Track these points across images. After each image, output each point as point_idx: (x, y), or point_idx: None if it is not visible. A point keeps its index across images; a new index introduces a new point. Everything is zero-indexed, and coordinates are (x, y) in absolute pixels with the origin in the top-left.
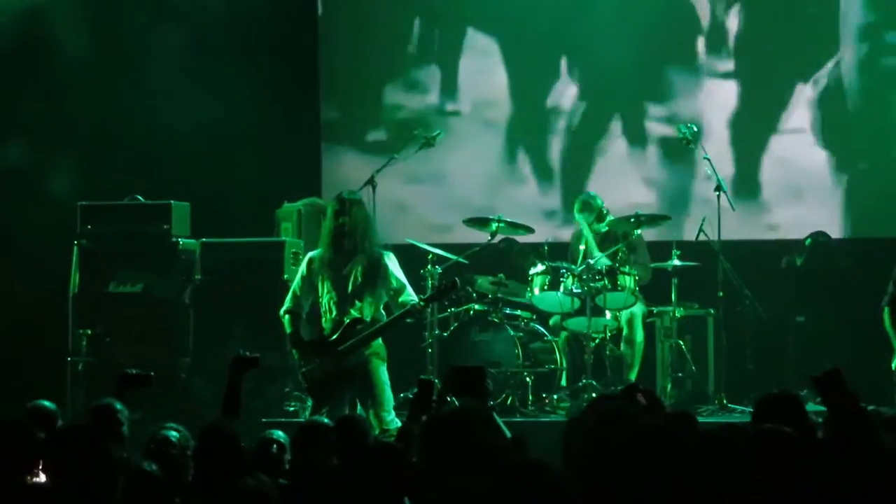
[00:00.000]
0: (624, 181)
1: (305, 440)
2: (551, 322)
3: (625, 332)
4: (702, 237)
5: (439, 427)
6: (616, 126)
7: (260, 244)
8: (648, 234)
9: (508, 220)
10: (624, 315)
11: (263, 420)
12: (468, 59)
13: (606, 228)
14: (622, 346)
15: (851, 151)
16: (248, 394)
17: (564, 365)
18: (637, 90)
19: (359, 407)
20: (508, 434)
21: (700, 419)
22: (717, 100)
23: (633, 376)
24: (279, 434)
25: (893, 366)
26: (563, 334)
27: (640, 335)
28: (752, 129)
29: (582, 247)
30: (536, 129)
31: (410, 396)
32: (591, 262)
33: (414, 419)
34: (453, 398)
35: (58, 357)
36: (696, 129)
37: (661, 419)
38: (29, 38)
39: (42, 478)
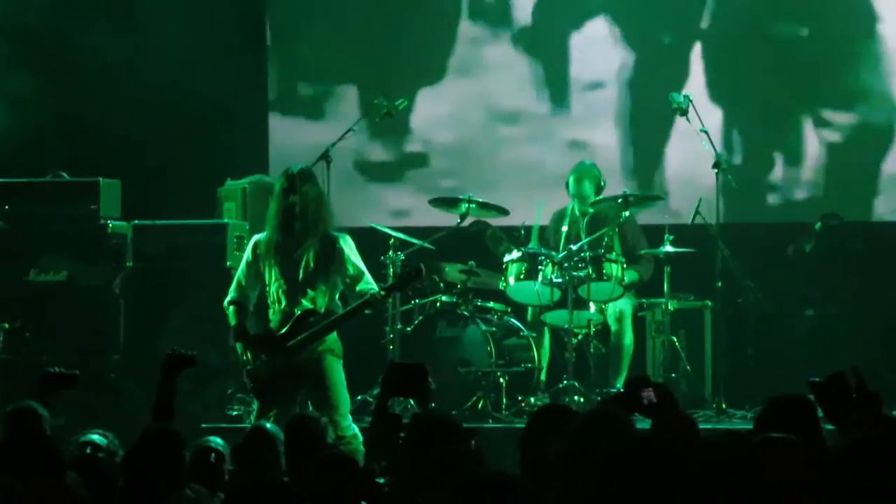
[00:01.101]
0: (609, 157)
1: (249, 448)
2: (528, 316)
3: (612, 329)
4: (698, 220)
5: (420, 438)
6: (601, 95)
7: (200, 227)
8: (639, 216)
9: (480, 200)
10: (611, 310)
11: (203, 426)
12: (432, 22)
13: (591, 210)
14: (610, 345)
15: None
16: (184, 396)
17: (543, 364)
18: (624, 52)
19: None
20: None
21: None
22: (713, 66)
23: (619, 381)
24: (217, 441)
25: None
26: (544, 330)
27: (628, 336)
28: (754, 100)
29: (564, 228)
30: (513, 97)
31: (370, 399)
32: (573, 247)
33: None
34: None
35: None
36: (689, 98)
37: (664, 424)
38: None
39: None
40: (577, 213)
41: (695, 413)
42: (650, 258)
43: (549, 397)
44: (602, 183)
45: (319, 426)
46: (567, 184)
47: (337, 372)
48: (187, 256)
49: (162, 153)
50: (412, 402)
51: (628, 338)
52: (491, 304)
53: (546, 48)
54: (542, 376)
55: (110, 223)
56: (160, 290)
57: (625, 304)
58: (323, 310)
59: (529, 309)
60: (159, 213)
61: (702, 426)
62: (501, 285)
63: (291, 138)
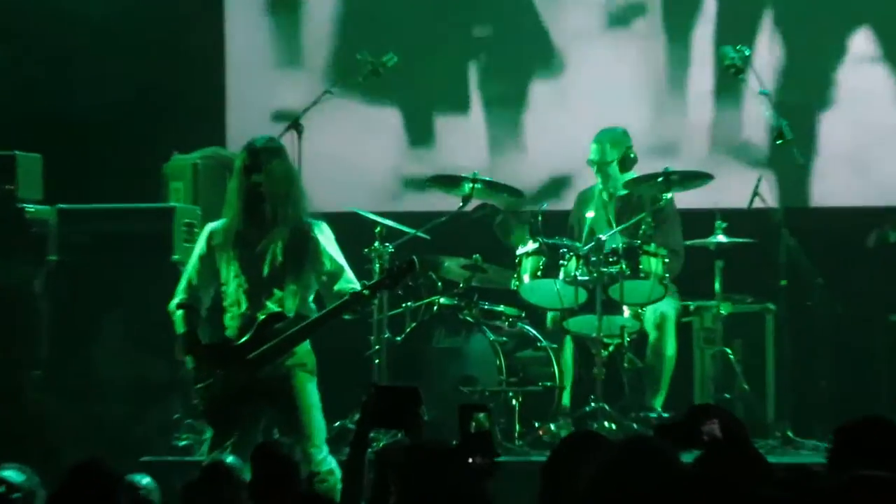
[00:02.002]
0: (645, 127)
1: (203, 488)
2: (547, 322)
3: (651, 338)
4: (757, 203)
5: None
6: (635, 51)
7: (140, 212)
8: (682, 198)
9: (487, 178)
10: (649, 314)
11: (142, 459)
12: None
13: (624, 191)
14: (648, 358)
15: None
16: (121, 421)
17: (566, 382)
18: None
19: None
20: None
21: None
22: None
23: (658, 402)
24: (145, 482)
25: None
26: (565, 340)
27: (671, 345)
28: (826, 56)
29: (590, 214)
30: (526, 55)
31: (350, 426)
32: (603, 238)
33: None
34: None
35: None
36: (747, 52)
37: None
38: None
39: None
40: (605, 195)
41: (754, 443)
42: (681, 252)
43: (574, 423)
44: (632, 155)
45: (292, 458)
46: (589, 152)
47: (309, 392)
48: (125, 248)
49: (93, 122)
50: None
51: (670, 348)
52: (501, 308)
53: None
54: (565, 398)
55: (29, 207)
56: (91, 289)
57: (666, 307)
58: (292, 314)
59: (549, 314)
60: (90, 195)
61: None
62: (514, 284)
63: (254, 103)
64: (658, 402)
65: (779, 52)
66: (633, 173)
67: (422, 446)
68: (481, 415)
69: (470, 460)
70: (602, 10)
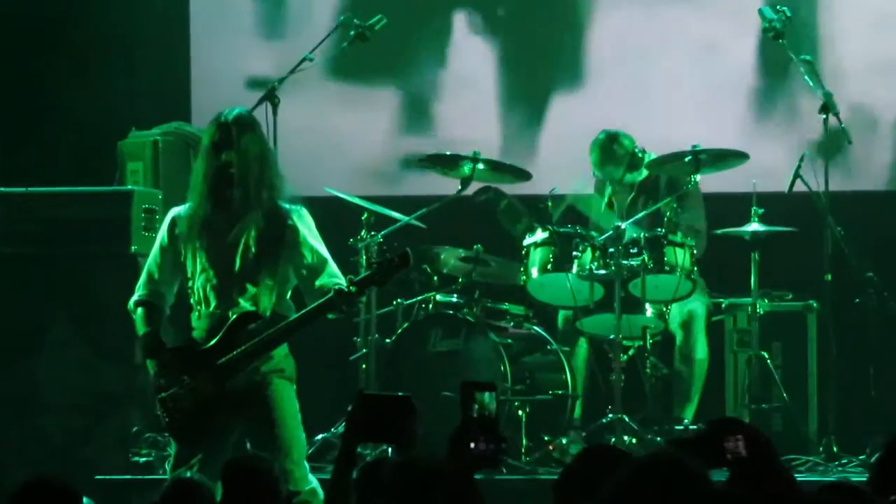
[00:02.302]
0: (670, 101)
1: None
2: (559, 322)
3: (678, 340)
4: (798, 187)
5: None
6: (661, 15)
7: (92, 196)
8: (712, 180)
9: (490, 159)
10: (675, 312)
11: (97, 477)
12: None
13: (645, 174)
14: (676, 362)
15: None
16: (72, 435)
17: (579, 390)
18: None
19: None
20: None
21: (798, 477)
22: None
23: (689, 413)
24: None
25: None
26: (580, 341)
27: (701, 348)
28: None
29: (604, 197)
30: (535, 18)
31: (334, 440)
32: (622, 226)
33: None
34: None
35: None
36: (788, 14)
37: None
38: None
39: None
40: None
41: (795, 460)
42: (703, 231)
43: (588, 437)
44: (639, 153)
45: (272, 474)
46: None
47: (288, 401)
48: (76, 238)
49: (38, 92)
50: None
51: (701, 351)
52: (506, 306)
53: None
54: (578, 408)
55: None
56: (37, 285)
57: (695, 305)
58: (268, 313)
59: (560, 313)
60: (34, 178)
61: (805, 478)
62: (521, 279)
63: (223, 71)
64: (689, 414)
65: (825, 13)
66: (651, 154)
67: (413, 463)
68: (486, 394)
69: (472, 446)
70: None
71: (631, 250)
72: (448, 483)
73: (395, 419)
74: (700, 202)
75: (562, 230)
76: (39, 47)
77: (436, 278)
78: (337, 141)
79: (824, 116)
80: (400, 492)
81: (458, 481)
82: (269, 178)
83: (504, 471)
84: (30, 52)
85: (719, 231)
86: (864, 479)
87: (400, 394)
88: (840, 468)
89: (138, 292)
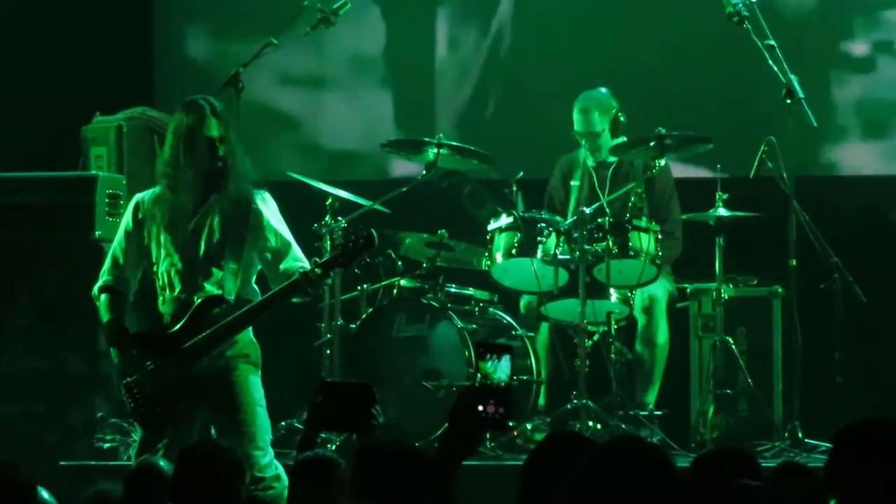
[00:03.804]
0: (637, 86)
1: (132, 495)
2: (521, 307)
3: (639, 324)
4: (763, 171)
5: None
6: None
7: (55, 181)
8: (678, 166)
9: (454, 143)
10: (638, 297)
11: (62, 463)
12: None
13: (613, 159)
14: (637, 346)
15: None
16: (35, 421)
17: (543, 376)
18: None
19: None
20: None
21: (763, 463)
22: None
23: (651, 398)
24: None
25: None
26: (543, 327)
27: (662, 332)
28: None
29: (574, 183)
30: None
31: (299, 426)
32: (587, 211)
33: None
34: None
35: None
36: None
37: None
38: None
39: None
40: (591, 162)
41: (760, 445)
42: (678, 234)
43: (553, 423)
44: (621, 118)
45: (233, 460)
46: (573, 122)
47: (252, 386)
48: (38, 224)
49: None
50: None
51: (662, 336)
52: (470, 292)
53: None
54: (543, 393)
55: None
56: None
57: (656, 289)
58: (233, 297)
59: (523, 298)
60: None
61: (769, 464)
62: (485, 264)
63: (187, 55)
64: (650, 398)
65: None
66: (623, 137)
67: (374, 450)
68: (503, 357)
69: (480, 408)
70: None
71: (595, 235)
72: (412, 466)
73: (356, 407)
74: (671, 191)
75: (526, 215)
76: (1, 31)
77: (400, 263)
78: (300, 125)
79: (788, 101)
80: (359, 479)
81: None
82: (242, 165)
83: (517, 406)
84: None
85: (685, 216)
86: None
87: (360, 382)
88: (805, 454)
89: (102, 278)
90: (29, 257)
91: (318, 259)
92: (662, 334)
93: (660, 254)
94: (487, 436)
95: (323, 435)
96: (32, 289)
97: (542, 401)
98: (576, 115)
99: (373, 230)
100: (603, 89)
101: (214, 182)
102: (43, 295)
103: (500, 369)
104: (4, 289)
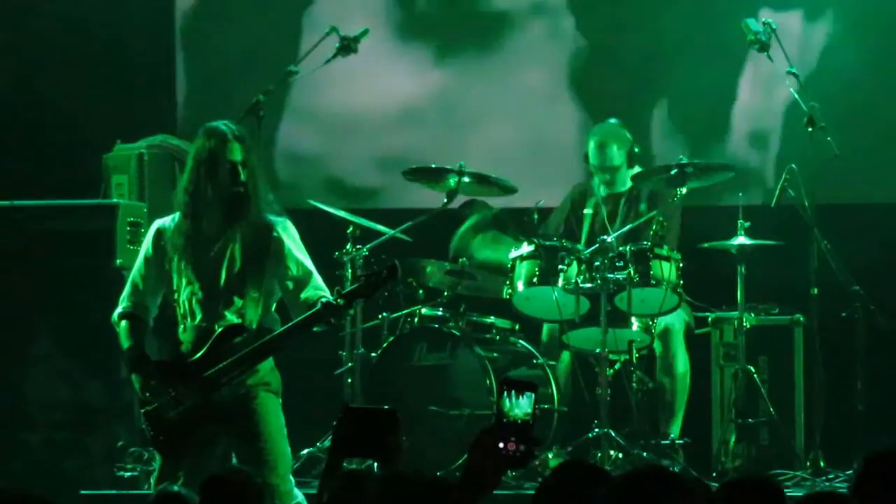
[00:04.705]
0: (654, 114)
1: None
2: (543, 335)
3: (658, 352)
4: (785, 200)
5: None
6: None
7: (77, 209)
8: (699, 194)
9: (475, 171)
10: (660, 327)
11: (82, 492)
12: None
13: (628, 186)
14: (658, 377)
15: None
16: (56, 450)
17: (564, 405)
18: None
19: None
20: None
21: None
22: None
23: (674, 429)
24: None
25: None
26: (564, 355)
27: (682, 362)
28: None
29: (587, 211)
30: (516, 33)
31: (321, 454)
32: (609, 239)
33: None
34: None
35: None
36: (773, 26)
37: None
38: None
39: None
40: (604, 190)
41: (782, 474)
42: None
43: (574, 451)
44: (636, 150)
45: (255, 489)
46: (586, 153)
47: (273, 415)
48: (59, 251)
49: (23, 105)
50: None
51: (682, 365)
52: (491, 320)
53: None
54: (562, 421)
55: None
56: (22, 298)
57: (672, 319)
58: (254, 326)
59: (545, 326)
60: (19, 190)
61: (792, 493)
62: (506, 293)
63: (208, 84)
64: (674, 429)
65: (811, 25)
66: (637, 167)
67: (398, 477)
68: (525, 395)
69: (501, 445)
70: None
71: (617, 264)
72: (434, 496)
73: (380, 433)
74: (676, 220)
75: (547, 243)
76: (25, 60)
77: (421, 292)
78: (322, 154)
79: (810, 129)
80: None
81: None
82: (264, 191)
83: (540, 442)
84: (16, 65)
85: (706, 244)
86: None
87: (385, 407)
88: (827, 483)
89: (122, 304)
90: (50, 285)
91: (340, 289)
92: (682, 364)
93: (681, 283)
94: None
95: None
96: (53, 316)
97: (561, 429)
98: (592, 149)
99: (396, 261)
100: (613, 120)
101: (236, 208)
102: (64, 323)
103: (520, 406)
104: (26, 316)
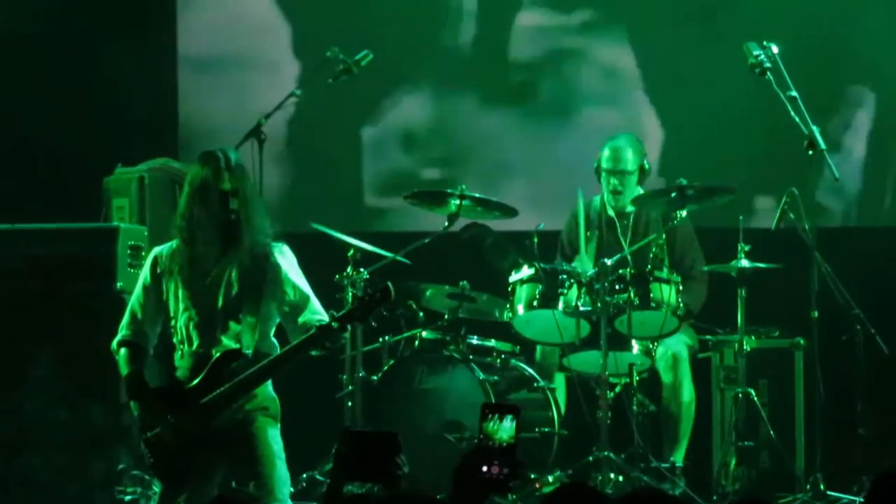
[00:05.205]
0: (655, 136)
1: None
2: (536, 356)
3: (664, 379)
4: (785, 223)
5: None
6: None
7: (77, 233)
8: (699, 216)
9: (476, 195)
10: (661, 355)
11: None
12: None
13: (632, 209)
14: (663, 404)
15: None
16: (56, 474)
17: (565, 428)
18: None
19: None
20: None
21: None
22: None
23: (678, 456)
24: None
25: None
26: (562, 378)
27: (688, 390)
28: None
29: (588, 233)
30: (514, 55)
31: (320, 478)
32: (609, 262)
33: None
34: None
35: None
36: (775, 49)
37: None
38: None
39: None
40: (611, 212)
41: (783, 497)
42: (703, 277)
43: (574, 474)
44: (647, 165)
45: None
46: (597, 163)
47: (272, 439)
48: (59, 275)
49: (22, 125)
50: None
51: (687, 393)
52: (492, 343)
53: None
54: (562, 444)
55: None
56: (21, 322)
57: (678, 344)
58: (251, 351)
59: (538, 349)
60: (17, 213)
61: None
62: (507, 316)
63: (210, 107)
64: (678, 457)
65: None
66: (643, 188)
67: (399, 500)
68: (507, 418)
69: (484, 469)
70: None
71: (617, 287)
72: None
73: (381, 456)
74: (691, 240)
75: (547, 267)
76: (25, 82)
77: (421, 315)
78: (322, 176)
79: (810, 152)
80: None
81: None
82: (256, 215)
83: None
84: (15, 86)
85: (706, 267)
86: None
87: (385, 431)
88: None
89: (121, 332)
90: (50, 308)
91: (335, 312)
92: (688, 392)
93: (681, 305)
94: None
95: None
96: (54, 340)
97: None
98: (606, 154)
99: (389, 283)
100: (632, 133)
101: (228, 235)
102: (64, 346)
103: (504, 429)
104: (26, 339)
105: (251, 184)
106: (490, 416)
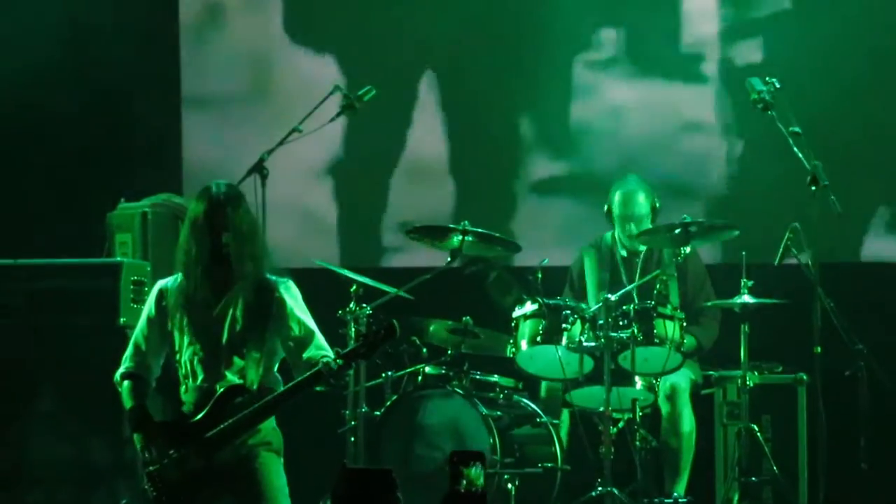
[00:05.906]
0: (658, 171)
1: None
2: (541, 391)
3: (664, 413)
4: (788, 258)
5: None
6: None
7: (81, 268)
8: (702, 253)
9: (479, 230)
10: (662, 385)
11: None
12: None
13: (643, 248)
14: (663, 436)
15: None
16: None
17: (567, 463)
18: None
19: None
20: None
21: None
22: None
23: (680, 489)
24: None
25: None
26: (567, 414)
27: (688, 421)
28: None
29: (603, 270)
30: (523, 92)
31: None
32: (612, 298)
33: None
34: None
35: None
36: (777, 86)
37: None
38: None
39: None
40: (622, 250)
41: None
42: (716, 314)
43: None
44: (657, 204)
45: None
46: (608, 207)
47: (275, 474)
48: (62, 310)
49: (26, 162)
50: None
51: (687, 424)
52: (495, 378)
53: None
54: (557, 481)
55: None
56: (25, 356)
57: (679, 378)
58: (255, 386)
59: (543, 385)
60: (21, 249)
61: None
62: (510, 351)
63: (213, 144)
64: (680, 489)
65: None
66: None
67: None
68: (474, 467)
69: None
70: (611, 42)
71: (620, 322)
72: None
73: (378, 493)
74: (703, 276)
75: (551, 302)
76: (29, 117)
77: (424, 350)
78: (325, 213)
79: (813, 188)
80: None
81: None
82: (258, 251)
83: None
84: (18, 122)
85: (709, 303)
86: None
87: (380, 468)
88: None
89: (125, 364)
90: (53, 343)
91: (339, 349)
92: (687, 423)
93: (685, 342)
94: None
95: None
96: (57, 375)
97: (564, 488)
98: (617, 199)
99: (394, 320)
100: (633, 175)
101: (229, 271)
102: (67, 381)
103: (475, 475)
104: (29, 374)
105: (248, 218)
106: (461, 464)
